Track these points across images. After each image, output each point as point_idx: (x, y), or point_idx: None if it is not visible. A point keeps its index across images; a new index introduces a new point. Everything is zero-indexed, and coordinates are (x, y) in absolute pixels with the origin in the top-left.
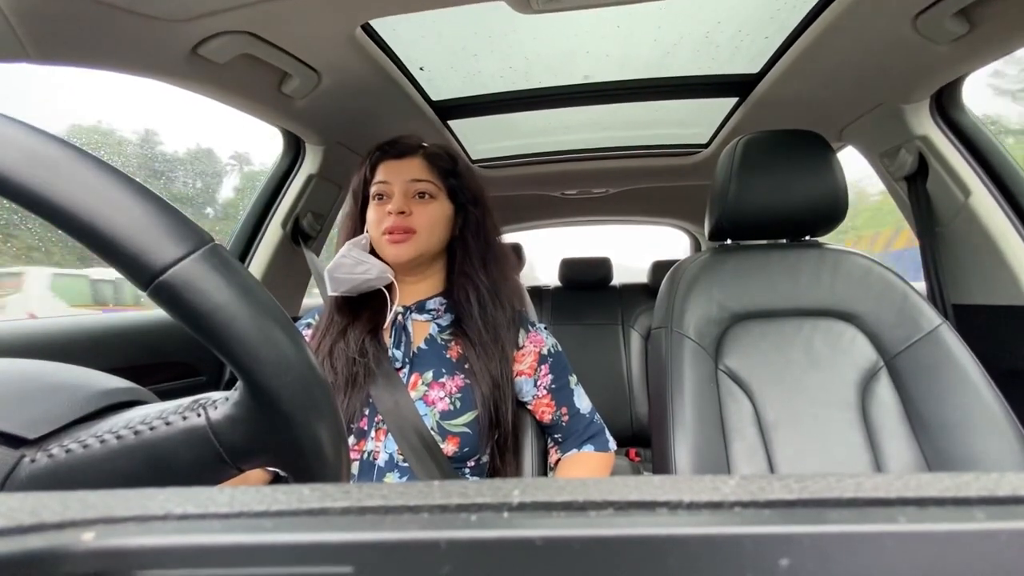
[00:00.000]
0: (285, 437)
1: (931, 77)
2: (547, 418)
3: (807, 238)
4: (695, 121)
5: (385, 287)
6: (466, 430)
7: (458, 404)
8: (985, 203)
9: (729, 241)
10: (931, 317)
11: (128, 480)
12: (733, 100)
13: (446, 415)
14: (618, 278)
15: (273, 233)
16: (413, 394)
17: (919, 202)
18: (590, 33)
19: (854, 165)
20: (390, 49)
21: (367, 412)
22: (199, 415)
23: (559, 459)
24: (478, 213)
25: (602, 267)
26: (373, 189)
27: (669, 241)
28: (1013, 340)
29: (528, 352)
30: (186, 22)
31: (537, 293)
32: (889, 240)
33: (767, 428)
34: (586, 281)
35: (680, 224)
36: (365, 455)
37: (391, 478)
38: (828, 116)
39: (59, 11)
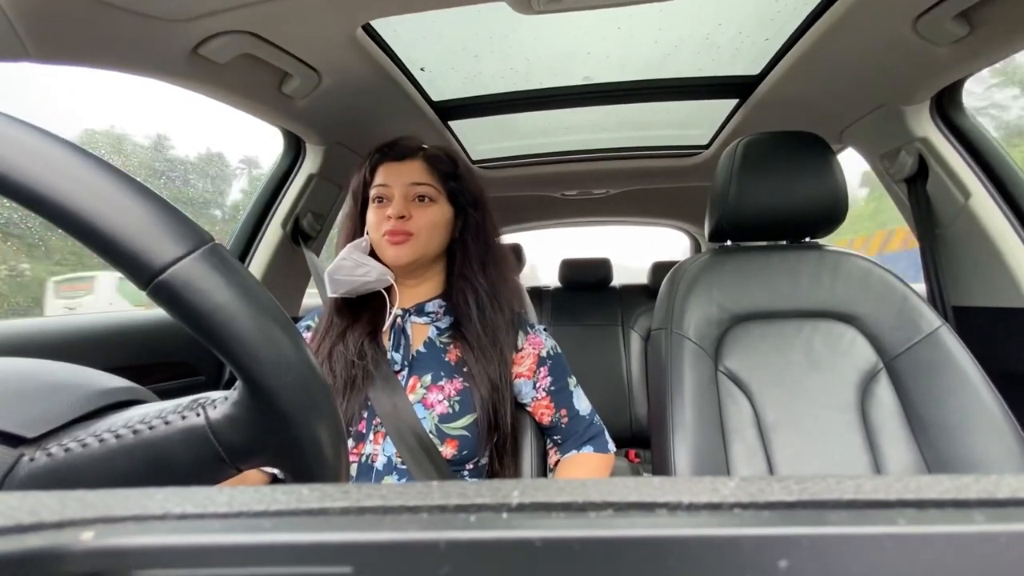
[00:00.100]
0: (284, 437)
1: (931, 79)
2: (546, 420)
3: (807, 240)
4: (695, 122)
5: (384, 289)
6: (465, 433)
7: (457, 407)
8: (985, 205)
9: (729, 242)
10: (931, 319)
11: (127, 479)
12: (733, 101)
13: (445, 418)
14: (618, 278)
15: (273, 233)
16: (412, 397)
17: (919, 204)
18: (591, 34)
19: None
20: (391, 49)
21: (365, 415)
22: (198, 415)
23: (558, 460)
24: (478, 216)
25: (602, 268)
26: (373, 192)
27: (669, 242)
28: (1013, 342)
29: (527, 354)
30: (187, 22)
31: (537, 294)
32: (860, 249)
33: (767, 429)
34: (586, 282)
35: (680, 225)
36: (363, 458)
37: (389, 481)
38: (828, 118)
39: (60, 10)
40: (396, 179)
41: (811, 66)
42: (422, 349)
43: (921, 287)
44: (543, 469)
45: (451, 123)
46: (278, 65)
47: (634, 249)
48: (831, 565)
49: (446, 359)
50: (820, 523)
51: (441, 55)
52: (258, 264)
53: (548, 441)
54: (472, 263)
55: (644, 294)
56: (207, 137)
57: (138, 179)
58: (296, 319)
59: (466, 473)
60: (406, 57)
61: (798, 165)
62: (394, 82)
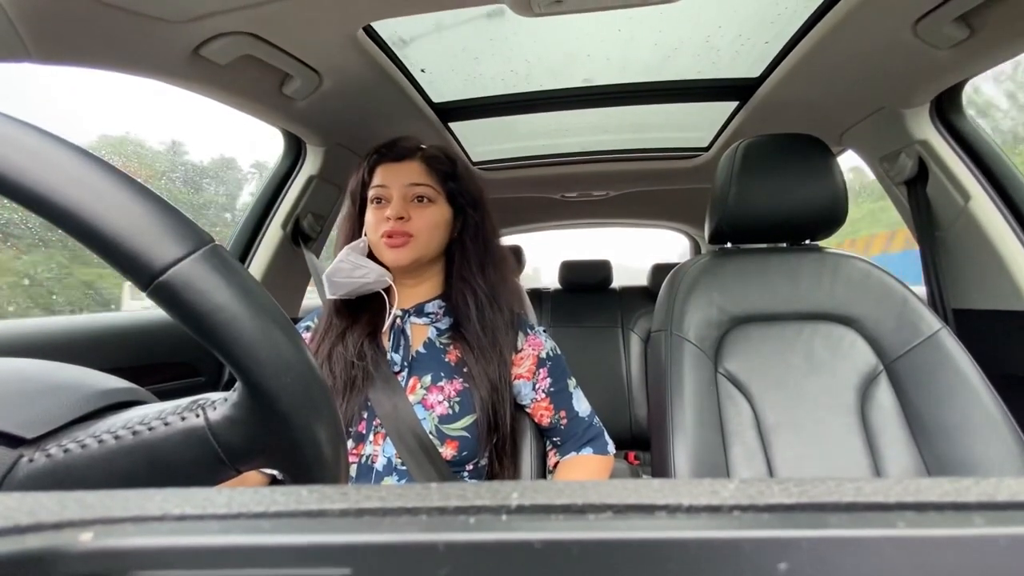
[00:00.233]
0: (284, 438)
1: (931, 82)
2: (546, 421)
3: (807, 242)
4: (696, 125)
5: (383, 290)
6: (465, 434)
7: (457, 408)
8: (985, 207)
9: (729, 244)
10: (931, 321)
11: (126, 480)
12: (733, 104)
13: (445, 419)
14: (618, 278)
15: (273, 234)
16: (412, 398)
17: (919, 206)
18: (591, 36)
19: None
20: (391, 51)
21: (365, 416)
22: (198, 416)
23: (558, 462)
24: (477, 216)
25: (602, 270)
26: (371, 192)
27: (669, 243)
28: (1013, 344)
29: (527, 355)
30: (188, 23)
31: (537, 295)
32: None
33: (767, 432)
34: (586, 284)
35: (680, 227)
36: (363, 459)
37: (389, 482)
38: (828, 120)
39: (61, 11)
40: (394, 180)
41: (811, 69)
42: (422, 350)
43: (921, 289)
44: (542, 470)
45: (451, 124)
46: (279, 66)
47: (634, 251)
48: (831, 568)
49: (446, 360)
50: (820, 526)
51: (441, 57)
52: (258, 265)
53: (547, 442)
54: (471, 264)
55: (644, 296)
56: (221, 142)
57: (140, 180)
58: (296, 320)
59: (466, 474)
60: (406, 59)
61: (798, 167)
62: (395, 83)
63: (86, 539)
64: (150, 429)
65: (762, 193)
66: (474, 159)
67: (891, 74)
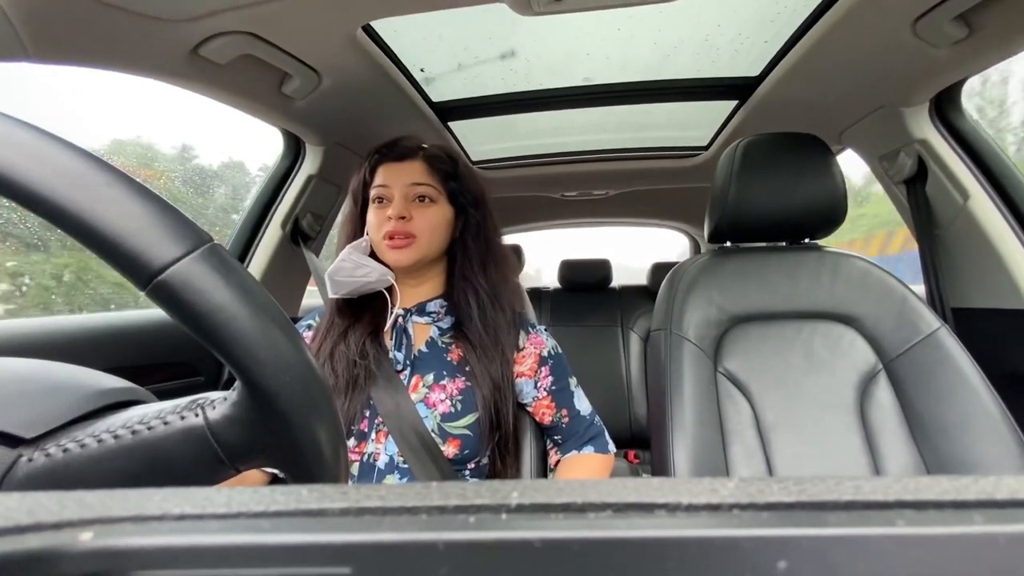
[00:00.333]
0: (283, 437)
1: (930, 81)
2: (547, 420)
3: (806, 241)
4: (695, 124)
5: (385, 289)
6: (467, 432)
7: (459, 406)
8: (984, 206)
9: (729, 243)
10: (930, 320)
11: (125, 480)
12: (733, 103)
13: (447, 417)
14: (618, 278)
15: (273, 234)
16: (414, 396)
17: (918, 205)
18: (591, 35)
19: None
20: (391, 50)
21: (368, 414)
22: (197, 415)
23: (559, 460)
24: (479, 216)
25: (601, 269)
26: (373, 192)
27: (668, 242)
28: (1012, 343)
29: (528, 354)
30: (187, 22)
31: (536, 295)
32: None
33: (766, 430)
34: (585, 283)
35: (680, 226)
36: (365, 457)
37: (391, 480)
38: (828, 119)
39: (60, 11)
40: (396, 179)
41: (810, 68)
42: (424, 349)
43: (920, 288)
44: (543, 469)
45: (451, 124)
46: (278, 66)
47: (634, 250)
48: (830, 566)
49: (448, 358)
50: (819, 524)
51: (441, 56)
52: (257, 264)
53: (548, 441)
54: (473, 263)
55: (644, 295)
56: (230, 146)
57: (139, 180)
58: (295, 319)
59: (467, 472)
60: (406, 58)
61: (797, 166)
62: (394, 83)
63: (86, 539)
64: (149, 429)
65: (762, 192)
66: (473, 158)
67: (890, 73)
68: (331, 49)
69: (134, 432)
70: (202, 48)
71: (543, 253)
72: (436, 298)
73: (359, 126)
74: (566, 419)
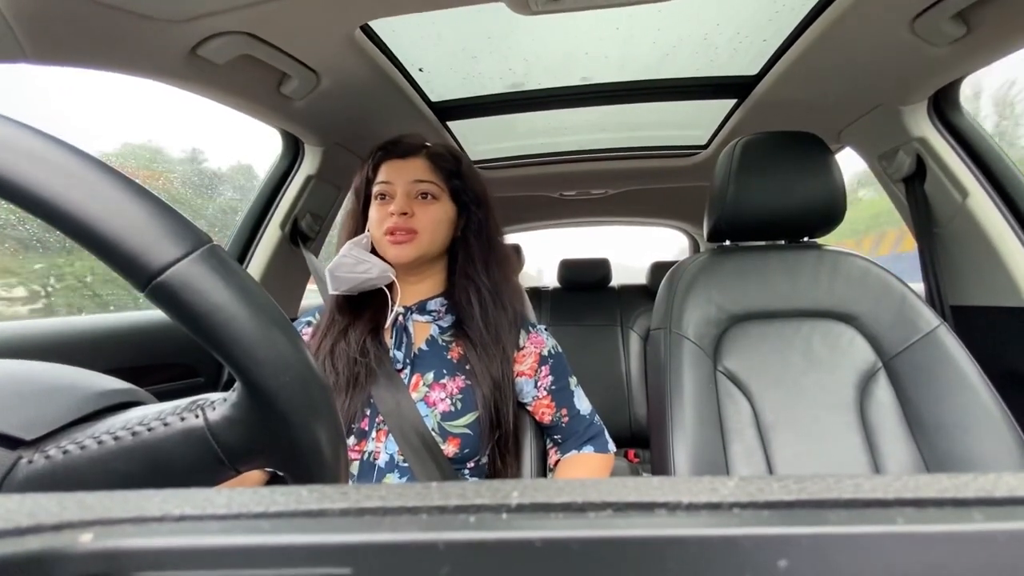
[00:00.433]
0: (283, 438)
1: (929, 79)
2: (547, 419)
3: (805, 239)
4: (694, 123)
5: (386, 287)
6: (467, 431)
7: (459, 405)
8: (983, 204)
9: (728, 242)
10: (929, 318)
11: (125, 481)
12: (732, 102)
13: (447, 416)
14: (617, 276)
15: (272, 234)
16: (414, 395)
17: (917, 204)
18: (589, 35)
19: None
20: (389, 50)
21: (368, 413)
22: (197, 416)
23: (558, 460)
24: (481, 214)
25: (601, 268)
26: (375, 188)
27: (667, 241)
28: (1011, 341)
29: (529, 353)
30: (185, 23)
31: (536, 294)
32: None
33: (766, 429)
34: (585, 282)
35: (679, 225)
36: (366, 456)
37: (391, 479)
38: (826, 118)
39: (58, 12)
40: (399, 176)
41: (809, 66)
42: (424, 347)
43: (919, 287)
44: (543, 469)
45: (450, 123)
46: (276, 66)
47: (633, 249)
48: (830, 564)
49: (448, 357)
50: (819, 522)
51: (440, 56)
52: (257, 265)
53: (548, 440)
54: (475, 262)
55: (643, 294)
56: (239, 149)
57: (137, 181)
58: (294, 320)
59: (467, 471)
60: (404, 58)
61: (796, 165)
62: (393, 83)
63: (86, 540)
64: (149, 430)
65: (760, 191)
66: (472, 158)
67: (888, 71)
68: (330, 49)
69: (134, 433)
70: (200, 48)
71: (544, 254)
72: (437, 296)
73: (358, 126)
74: (566, 418)
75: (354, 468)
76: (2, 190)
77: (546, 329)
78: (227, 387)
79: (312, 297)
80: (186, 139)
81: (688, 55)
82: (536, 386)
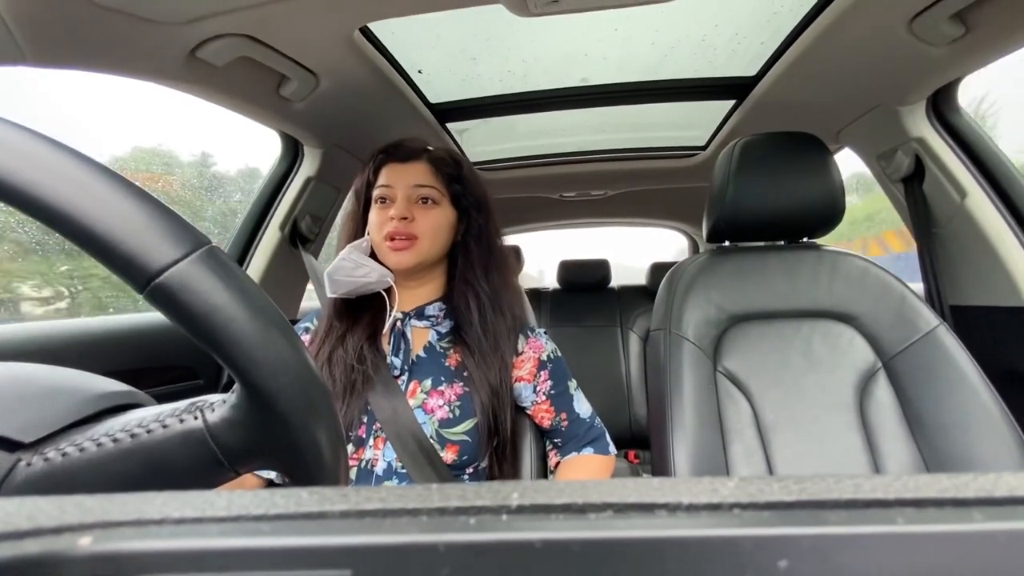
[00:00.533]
0: (283, 439)
1: (927, 79)
2: (546, 423)
3: (804, 240)
4: (693, 123)
5: (384, 291)
6: (465, 438)
7: (457, 412)
8: (981, 204)
9: (727, 243)
10: (928, 318)
11: (124, 483)
12: (730, 103)
13: (445, 423)
14: (616, 277)
15: (271, 236)
16: (412, 402)
17: (916, 204)
18: (588, 36)
19: None
20: (388, 52)
21: (365, 420)
22: (196, 418)
23: (559, 462)
24: (481, 219)
25: (600, 269)
26: (376, 192)
27: (667, 242)
28: (1010, 341)
29: (527, 358)
30: (184, 25)
31: (536, 295)
32: None
33: (766, 430)
34: (584, 283)
35: (678, 226)
36: (363, 463)
37: (389, 486)
38: (825, 118)
39: (57, 15)
40: (400, 180)
41: (807, 67)
42: (422, 354)
43: (919, 286)
44: (543, 472)
45: (449, 125)
46: (276, 68)
47: (633, 250)
48: (831, 565)
49: (446, 363)
50: (819, 523)
51: (439, 57)
52: (256, 267)
53: (548, 443)
54: (474, 267)
55: (643, 295)
56: (247, 153)
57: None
58: (293, 322)
59: (466, 477)
60: (404, 59)
61: (795, 166)
62: (392, 84)
63: (85, 543)
64: (148, 432)
65: (759, 191)
66: (472, 159)
67: (887, 72)
68: (329, 51)
69: (133, 436)
70: (200, 51)
71: (545, 255)
72: (435, 301)
73: (357, 128)
74: (565, 422)
75: (351, 476)
76: (0, 193)
77: (545, 332)
78: (227, 389)
79: (312, 298)
80: (196, 143)
81: (687, 56)
82: (535, 391)
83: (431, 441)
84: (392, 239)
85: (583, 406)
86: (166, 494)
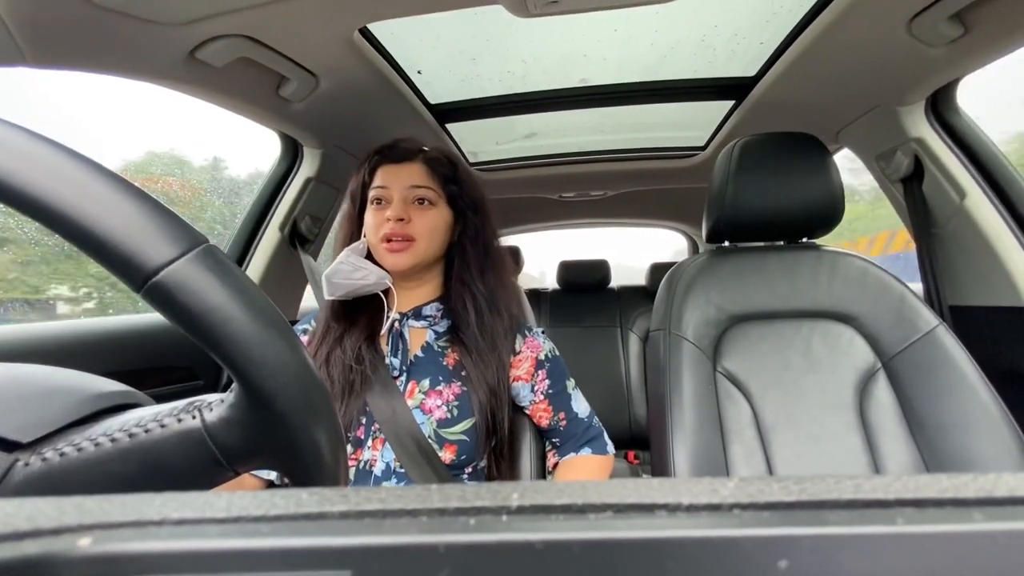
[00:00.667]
0: (282, 439)
1: (926, 80)
2: (545, 423)
3: (804, 240)
4: (692, 124)
5: (382, 292)
6: (463, 438)
7: (455, 412)
8: (980, 205)
9: (727, 243)
10: (928, 318)
11: (123, 484)
12: (730, 103)
13: (443, 423)
14: (616, 277)
15: (271, 236)
16: (410, 402)
17: (915, 204)
18: (587, 36)
19: None
20: (388, 52)
21: (364, 420)
22: (194, 417)
23: (557, 462)
24: (477, 220)
25: (600, 269)
26: (372, 193)
27: (666, 242)
28: (1010, 341)
29: (525, 357)
30: (184, 26)
31: (535, 296)
32: None
33: (765, 430)
34: (584, 284)
35: (678, 226)
36: (362, 464)
37: (388, 487)
38: (824, 119)
39: (56, 16)
40: (396, 181)
41: (806, 68)
42: (420, 354)
43: (918, 287)
44: (542, 472)
45: (448, 125)
46: (275, 69)
47: (633, 250)
48: (831, 565)
49: (444, 363)
50: (819, 523)
51: (438, 58)
52: (256, 267)
53: (547, 443)
54: (471, 268)
55: (642, 295)
56: (258, 158)
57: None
58: (292, 323)
59: (465, 477)
60: (403, 60)
61: (794, 166)
62: (391, 85)
63: (84, 544)
64: (146, 432)
65: (759, 192)
66: (471, 160)
67: (886, 72)
68: (328, 52)
69: (131, 436)
70: (199, 51)
71: (546, 255)
72: (432, 301)
73: (357, 129)
74: (563, 422)
75: (350, 476)
76: None
77: (544, 332)
78: (226, 390)
79: (312, 299)
80: (208, 148)
81: (686, 56)
82: (533, 391)
83: (429, 441)
84: (389, 240)
85: (581, 405)
86: (165, 495)
